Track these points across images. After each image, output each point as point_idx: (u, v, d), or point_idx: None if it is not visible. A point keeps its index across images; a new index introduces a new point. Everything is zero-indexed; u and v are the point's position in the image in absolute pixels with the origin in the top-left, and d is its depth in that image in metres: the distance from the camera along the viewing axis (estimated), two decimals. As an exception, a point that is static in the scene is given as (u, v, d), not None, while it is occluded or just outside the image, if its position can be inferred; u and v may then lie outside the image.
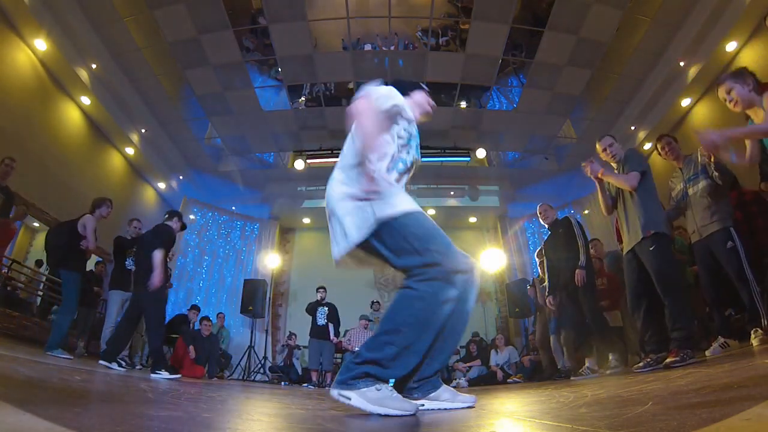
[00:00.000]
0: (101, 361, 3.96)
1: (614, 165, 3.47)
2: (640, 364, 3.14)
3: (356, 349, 6.86)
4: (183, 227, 4.69)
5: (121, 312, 4.84)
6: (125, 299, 4.79)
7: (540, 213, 4.65)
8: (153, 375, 3.90)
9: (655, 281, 2.98)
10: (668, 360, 2.77)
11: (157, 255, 4.05)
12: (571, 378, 4.18)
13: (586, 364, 4.08)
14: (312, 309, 6.78)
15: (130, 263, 4.90)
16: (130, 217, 7.93)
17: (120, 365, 4.13)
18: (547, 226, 4.63)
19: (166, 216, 4.59)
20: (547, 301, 4.55)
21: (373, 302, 8.34)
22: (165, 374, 3.95)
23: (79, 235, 4.26)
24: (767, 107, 2.26)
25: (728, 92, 2.41)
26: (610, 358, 3.87)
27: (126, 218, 7.91)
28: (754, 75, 2.44)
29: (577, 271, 4.02)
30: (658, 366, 2.93)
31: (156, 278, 3.97)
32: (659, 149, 3.56)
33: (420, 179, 9.55)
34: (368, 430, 1.20)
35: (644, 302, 3.14)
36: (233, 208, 10.08)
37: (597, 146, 3.55)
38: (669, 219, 3.45)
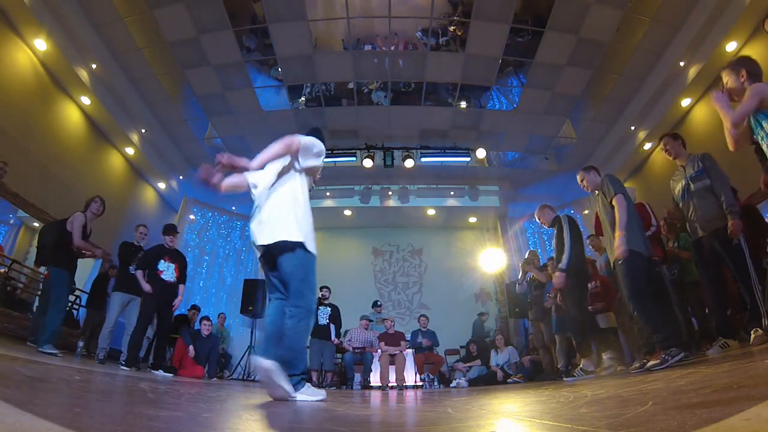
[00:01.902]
0: (122, 365, 4.54)
1: (596, 193, 3.62)
2: (636, 365, 3.21)
3: (358, 348, 6.86)
4: (173, 234, 5.17)
5: (121, 313, 4.94)
6: (126, 301, 4.95)
7: (537, 217, 4.60)
8: (155, 372, 4.62)
9: (625, 293, 3.19)
10: (649, 364, 2.90)
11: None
12: (564, 379, 4.20)
13: (581, 365, 4.09)
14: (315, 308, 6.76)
15: (133, 269, 5.05)
16: (129, 217, 8.00)
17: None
18: (548, 227, 4.55)
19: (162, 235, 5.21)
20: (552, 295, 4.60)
21: (375, 303, 8.33)
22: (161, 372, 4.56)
23: (68, 233, 4.28)
24: (744, 99, 2.32)
25: (726, 84, 2.51)
26: (604, 357, 3.89)
27: (127, 218, 7.94)
28: (753, 63, 2.48)
29: (556, 273, 3.99)
30: (645, 370, 3.00)
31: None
32: (661, 148, 3.59)
33: (420, 179, 9.56)
34: (368, 429, 1.21)
35: None
36: (233, 208, 10.09)
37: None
38: (677, 219, 3.51)
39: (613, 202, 3.30)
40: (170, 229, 5.21)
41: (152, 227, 5.93)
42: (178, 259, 5.17)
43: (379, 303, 8.37)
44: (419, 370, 7.04)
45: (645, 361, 3.12)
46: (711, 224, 3.14)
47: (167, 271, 4.98)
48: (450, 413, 1.64)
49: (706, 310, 3.93)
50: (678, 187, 3.44)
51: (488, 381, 6.65)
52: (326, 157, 9.84)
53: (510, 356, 6.98)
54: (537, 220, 4.60)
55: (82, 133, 6.92)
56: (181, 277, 5.12)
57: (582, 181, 3.69)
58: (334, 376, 6.76)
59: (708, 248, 3.18)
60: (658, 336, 2.94)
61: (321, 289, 6.96)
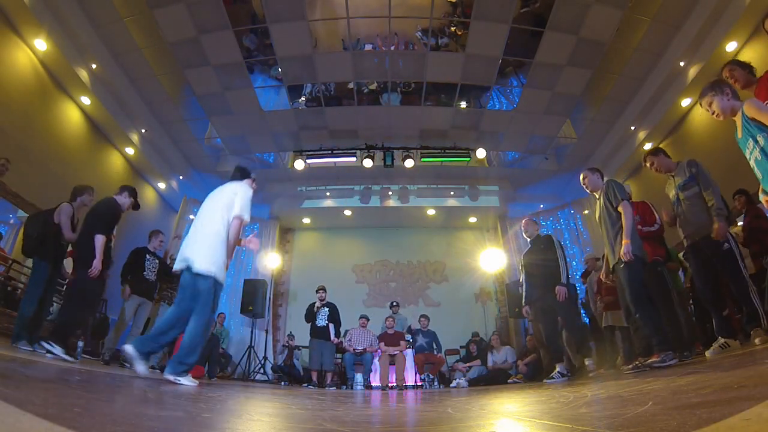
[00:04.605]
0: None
1: (595, 195, 3.78)
2: (629, 366, 3.44)
3: (357, 348, 6.85)
4: (135, 206, 4.26)
5: (132, 316, 4.97)
6: (139, 304, 4.97)
7: (522, 227, 4.96)
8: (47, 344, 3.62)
9: (627, 297, 3.30)
10: (650, 360, 3.05)
11: (99, 240, 3.74)
12: (544, 381, 4.31)
13: (557, 369, 4.28)
14: (311, 314, 6.73)
15: (148, 273, 5.10)
16: (129, 218, 7.94)
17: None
18: (529, 240, 4.86)
19: (118, 191, 4.24)
20: (524, 311, 4.84)
21: (392, 303, 8.32)
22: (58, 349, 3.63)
23: (53, 224, 4.09)
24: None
25: (709, 105, 2.55)
26: (586, 362, 4.16)
27: (126, 219, 7.87)
28: (730, 85, 2.59)
29: (557, 287, 4.26)
30: (644, 368, 3.13)
31: (96, 264, 3.69)
32: (648, 167, 3.64)
33: (420, 179, 9.56)
34: (368, 429, 1.21)
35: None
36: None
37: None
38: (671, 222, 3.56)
39: (620, 209, 3.42)
40: None
41: (152, 227, 5.92)
42: None
43: (395, 303, 8.36)
44: (419, 370, 7.04)
45: (638, 363, 3.26)
46: (701, 231, 3.19)
47: None
48: (450, 413, 1.64)
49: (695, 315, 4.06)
50: (671, 195, 3.52)
51: (488, 381, 6.65)
52: (326, 157, 9.74)
53: (507, 356, 6.98)
54: (522, 227, 4.96)
55: (82, 133, 6.92)
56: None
57: (584, 179, 3.82)
58: (334, 376, 6.76)
59: (701, 252, 3.23)
60: (655, 338, 3.09)
61: (318, 290, 6.94)
